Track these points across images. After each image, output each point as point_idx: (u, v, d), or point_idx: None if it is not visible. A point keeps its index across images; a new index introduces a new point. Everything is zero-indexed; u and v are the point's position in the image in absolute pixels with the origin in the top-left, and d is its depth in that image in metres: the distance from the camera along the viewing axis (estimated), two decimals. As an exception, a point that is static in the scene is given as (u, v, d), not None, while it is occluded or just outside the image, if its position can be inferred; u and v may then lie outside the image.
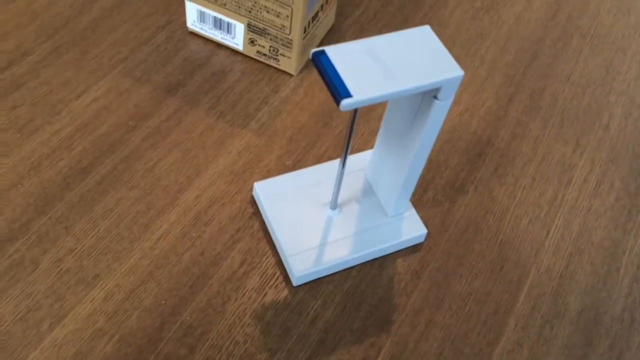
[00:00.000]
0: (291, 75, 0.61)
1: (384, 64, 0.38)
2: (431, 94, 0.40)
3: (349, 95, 0.36)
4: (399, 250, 0.51)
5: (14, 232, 0.48)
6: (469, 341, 0.47)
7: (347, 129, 0.42)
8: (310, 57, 0.38)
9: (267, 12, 0.57)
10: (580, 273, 0.52)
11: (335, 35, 0.65)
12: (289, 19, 0.56)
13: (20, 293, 0.45)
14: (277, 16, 0.56)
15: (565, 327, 0.49)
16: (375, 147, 0.50)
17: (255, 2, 0.56)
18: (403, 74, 0.37)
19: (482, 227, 0.53)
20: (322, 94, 0.60)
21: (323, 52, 0.38)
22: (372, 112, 0.60)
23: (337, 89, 0.36)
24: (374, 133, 0.58)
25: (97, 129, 0.55)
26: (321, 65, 0.37)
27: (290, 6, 0.55)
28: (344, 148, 0.44)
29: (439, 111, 0.40)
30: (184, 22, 0.64)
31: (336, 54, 0.38)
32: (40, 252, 0.47)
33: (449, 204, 0.54)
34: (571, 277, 0.51)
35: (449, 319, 0.48)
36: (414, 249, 0.51)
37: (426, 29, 0.40)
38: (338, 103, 0.36)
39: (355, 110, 0.40)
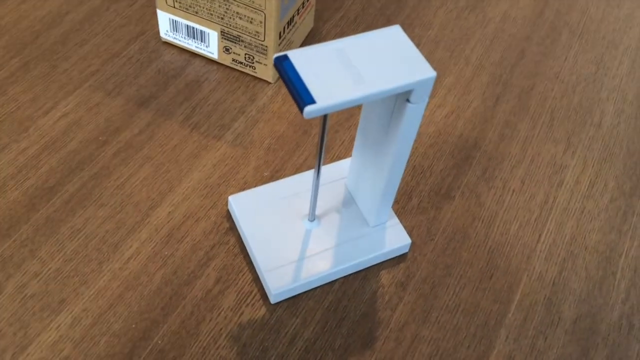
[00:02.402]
0: (269, 83, 0.59)
1: (352, 67, 0.35)
2: (403, 97, 0.37)
3: (312, 101, 0.34)
4: (382, 262, 0.49)
5: (-23, 257, 0.46)
6: (458, 356, 0.45)
7: (318, 137, 0.40)
8: (273, 62, 0.36)
9: (240, 18, 0.54)
10: (574, 279, 0.49)
11: (314, 40, 0.63)
12: (263, 24, 0.54)
13: (-18, 321, 0.43)
14: (251, 22, 0.54)
15: (560, 338, 0.46)
16: (353, 155, 0.48)
17: (228, 9, 0.54)
18: (372, 77, 0.35)
19: (470, 234, 0.51)
20: (301, 101, 0.58)
21: (286, 57, 0.36)
22: (353, 118, 0.57)
23: (300, 96, 0.34)
24: (354, 140, 0.56)
25: (66, 146, 0.53)
26: (284, 71, 0.35)
27: (262, 11, 0.53)
28: (317, 156, 0.41)
29: (413, 114, 0.38)
30: (158, 33, 0.62)
31: (300, 58, 0.35)
32: (4, 278, 0.45)
33: (435, 211, 0.52)
34: (565, 284, 0.49)
35: (436, 332, 0.46)
36: (398, 259, 0.49)
37: (396, 29, 0.38)
38: (301, 110, 0.34)
39: (325, 117, 0.38)
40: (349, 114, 0.58)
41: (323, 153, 0.41)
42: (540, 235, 0.51)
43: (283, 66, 0.35)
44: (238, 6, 0.54)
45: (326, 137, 0.40)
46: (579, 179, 0.56)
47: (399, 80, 0.35)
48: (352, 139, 0.56)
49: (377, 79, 0.35)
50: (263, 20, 0.54)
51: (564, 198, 0.54)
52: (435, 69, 0.62)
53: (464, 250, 0.50)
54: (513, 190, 0.54)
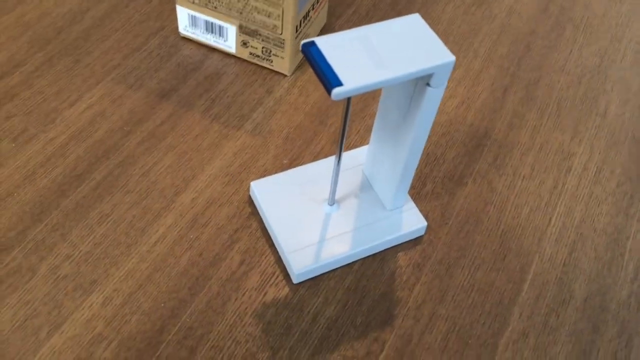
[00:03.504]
0: (285, 76, 0.61)
1: (375, 53, 0.37)
2: (424, 81, 0.39)
3: (340, 84, 0.36)
4: (399, 244, 0.50)
5: (11, 241, 0.47)
6: (474, 332, 0.46)
7: (341, 121, 0.42)
8: (301, 48, 0.38)
9: (258, 12, 0.56)
10: (584, 260, 0.51)
11: (330, 32, 0.65)
12: (280, 18, 0.56)
13: (17, 301, 0.45)
14: (268, 16, 0.56)
15: (571, 315, 0.48)
16: (371, 141, 0.50)
17: (246, 4, 0.56)
18: (394, 61, 0.37)
19: (483, 218, 0.53)
20: (317, 92, 0.60)
21: (313, 43, 0.37)
22: (367, 109, 0.59)
23: (328, 79, 0.36)
24: (369, 129, 0.58)
25: (92, 136, 0.54)
26: (311, 56, 0.37)
27: (281, 6, 0.55)
28: (339, 140, 0.43)
29: (433, 98, 0.40)
30: (176, 28, 0.64)
31: (326, 44, 0.37)
32: (37, 260, 0.47)
33: (449, 197, 0.54)
34: (575, 265, 0.51)
35: (452, 310, 0.47)
36: (415, 242, 0.51)
37: (416, 17, 0.40)
38: (329, 92, 0.36)
39: (348, 101, 0.40)
40: (364, 105, 0.60)
41: (345, 136, 0.43)
42: (550, 219, 0.53)
43: (310, 51, 0.37)
44: (256, 1, 0.56)
45: (348, 120, 0.42)
46: (586, 166, 0.58)
47: (421, 64, 0.37)
48: (368, 129, 0.58)
49: (400, 63, 0.37)
50: (281, 14, 0.56)
51: (572, 184, 0.56)
52: (445, 61, 0.64)
53: (477, 233, 0.52)
54: (523, 177, 0.56)
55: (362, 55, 0.37)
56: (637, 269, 0.51)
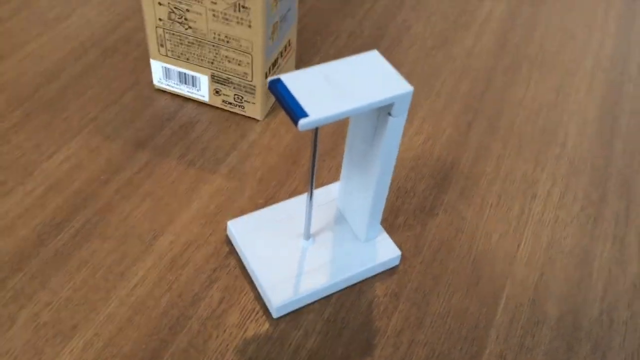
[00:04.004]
0: (257, 120, 0.63)
1: (338, 86, 0.40)
2: (385, 110, 0.42)
3: (305, 115, 0.38)
4: (376, 275, 0.52)
5: (-11, 291, 0.48)
6: (452, 357, 0.47)
7: (310, 155, 0.44)
8: (267, 85, 0.40)
9: (229, 61, 0.59)
10: (554, 282, 0.53)
11: (297, 82, 0.68)
12: (250, 66, 0.59)
13: (-3, 350, 0.45)
14: (239, 64, 0.59)
15: (546, 335, 0.49)
16: (341, 176, 0.51)
17: (217, 53, 0.59)
18: (356, 93, 0.40)
19: (455, 246, 0.54)
20: (289, 135, 0.62)
21: (279, 79, 0.40)
22: (338, 147, 0.61)
23: (294, 111, 0.38)
24: (340, 167, 0.60)
25: (70, 186, 0.56)
26: (277, 92, 0.39)
27: (249, 53, 0.58)
28: (310, 175, 0.45)
29: (395, 127, 0.42)
30: (151, 81, 0.66)
31: (291, 80, 0.40)
32: (17, 309, 0.47)
33: (421, 227, 0.56)
34: (546, 287, 0.52)
35: (430, 337, 0.48)
36: (390, 272, 0.52)
37: (374, 53, 0.43)
38: (296, 123, 0.38)
39: (316, 135, 0.42)
40: (335, 144, 0.62)
41: (315, 171, 0.45)
42: (519, 244, 0.55)
43: (277, 87, 0.39)
44: (227, 50, 0.58)
45: (317, 155, 0.44)
46: (550, 192, 0.60)
47: (381, 95, 0.40)
48: (339, 166, 0.60)
49: (361, 94, 0.40)
50: (250, 62, 0.58)
51: (538, 209, 0.58)
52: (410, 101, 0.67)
53: (450, 260, 0.53)
54: (491, 205, 0.58)
55: (325, 89, 0.40)
56: (606, 287, 0.53)
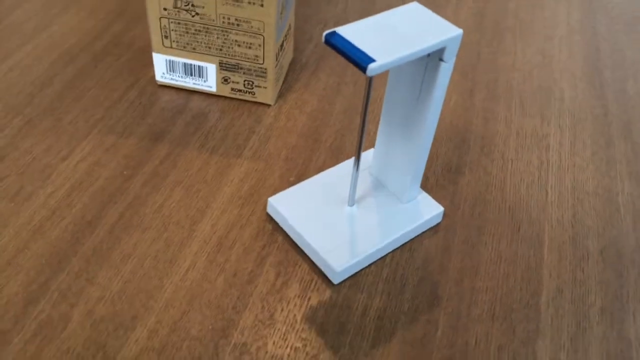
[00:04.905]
0: (269, 106, 0.63)
1: (393, 34, 0.40)
2: (436, 56, 0.43)
3: (372, 60, 0.38)
4: (421, 233, 0.52)
5: (34, 294, 0.45)
6: (515, 297, 0.48)
7: (362, 106, 0.44)
8: (324, 39, 0.40)
9: (239, 46, 0.59)
10: (587, 219, 0.55)
11: (297, 66, 0.68)
12: (262, 48, 0.58)
13: (56, 351, 0.42)
14: (249, 47, 0.59)
15: (594, 267, 0.51)
16: (377, 142, 0.52)
17: (226, 38, 0.58)
18: (413, 38, 0.40)
19: (489, 199, 0.56)
20: (303, 116, 0.62)
21: (334, 32, 0.40)
22: (353, 125, 0.62)
23: (361, 58, 0.38)
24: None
25: (93, 184, 0.53)
26: (337, 43, 0.39)
27: (262, 35, 0.57)
28: (358, 138, 0.45)
29: (445, 73, 0.43)
30: (152, 77, 0.64)
31: (347, 32, 0.40)
32: (68, 308, 0.44)
33: (452, 186, 0.56)
34: (582, 224, 0.54)
35: (489, 282, 0.49)
36: (435, 229, 0.52)
37: (415, 4, 0.44)
38: (364, 70, 0.38)
39: (370, 82, 0.42)
40: (350, 120, 0.62)
41: (366, 125, 0.45)
42: (547, 190, 0.57)
43: (336, 39, 0.39)
44: (237, 34, 0.58)
45: (369, 107, 0.44)
46: (561, 142, 0.62)
47: (436, 38, 0.41)
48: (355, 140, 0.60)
49: (418, 39, 0.40)
50: (262, 44, 0.58)
51: (555, 158, 0.61)
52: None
53: (488, 212, 0.54)
54: (511, 159, 0.60)
55: (382, 37, 0.40)
56: (635, 219, 0.55)
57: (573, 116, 0.66)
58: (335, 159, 0.58)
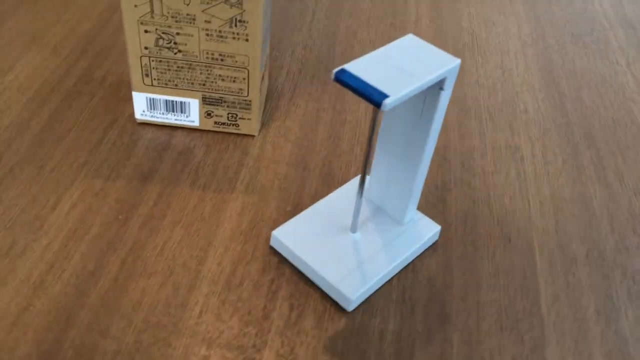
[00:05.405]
0: (253, 136, 0.63)
1: (398, 67, 0.42)
2: (437, 86, 0.44)
3: (386, 96, 0.39)
4: (421, 253, 0.54)
5: (46, 354, 0.43)
6: (518, 307, 0.50)
7: (367, 136, 0.45)
8: (333, 77, 0.41)
9: (222, 80, 0.59)
10: (569, 225, 0.58)
11: (274, 95, 0.69)
12: (246, 81, 0.59)
13: (82, 411, 0.40)
14: (233, 81, 0.59)
15: (583, 270, 0.54)
16: (374, 167, 0.53)
17: (209, 74, 0.58)
18: (417, 71, 0.42)
19: (477, 214, 0.58)
20: (288, 144, 0.63)
21: (343, 70, 0.41)
22: (337, 150, 0.63)
23: (374, 94, 0.39)
24: (349, 165, 0.61)
25: (88, 232, 0.52)
26: (348, 80, 0.40)
27: (246, 68, 0.58)
28: (363, 165, 0.47)
29: (444, 101, 0.45)
30: (130, 115, 0.63)
31: (355, 68, 0.41)
32: (86, 364, 0.43)
33: (441, 203, 0.59)
34: (564, 231, 0.58)
35: (492, 295, 0.51)
36: (433, 247, 0.54)
37: (411, 37, 0.45)
38: (379, 105, 0.39)
39: (375, 117, 0.44)
40: (335, 146, 0.63)
41: (371, 154, 0.46)
42: (529, 200, 0.60)
43: (346, 76, 0.41)
44: (220, 69, 0.58)
45: (379, 138, 0.45)
46: (533, 152, 0.66)
47: (438, 70, 0.42)
48: (348, 164, 0.61)
49: (423, 71, 0.42)
50: (246, 77, 0.58)
51: (530, 169, 0.64)
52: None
53: (479, 226, 0.57)
54: (491, 172, 0.63)
55: (389, 72, 0.41)
56: (611, 222, 0.59)
57: (539, 127, 0.70)
58: (327, 186, 0.59)
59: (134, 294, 0.48)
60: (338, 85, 0.71)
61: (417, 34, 0.83)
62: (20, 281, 0.47)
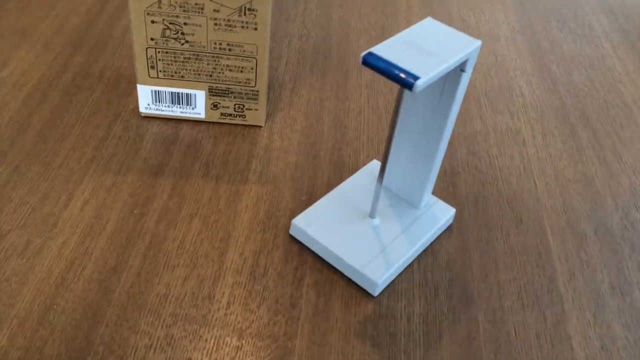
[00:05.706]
0: (260, 127, 0.63)
1: (422, 50, 0.42)
2: (458, 67, 0.45)
3: (418, 77, 0.40)
4: (438, 236, 0.54)
5: (76, 351, 0.42)
6: (536, 285, 0.52)
7: (390, 123, 0.45)
8: (361, 60, 0.41)
9: (230, 70, 0.58)
10: (576, 203, 0.60)
11: (276, 85, 0.69)
12: (254, 71, 0.58)
13: (120, 407, 0.40)
14: (241, 71, 0.58)
15: (593, 247, 0.56)
16: (391, 154, 0.53)
17: (217, 64, 0.58)
18: (442, 53, 0.42)
19: (487, 195, 0.59)
20: (295, 134, 0.63)
21: (371, 53, 0.41)
22: (345, 137, 0.63)
23: (405, 76, 0.40)
24: (357, 154, 0.62)
25: (105, 228, 0.51)
26: (377, 63, 0.41)
27: (254, 58, 0.57)
28: (384, 151, 0.47)
29: (464, 82, 0.46)
30: (134, 109, 0.62)
31: (382, 51, 0.41)
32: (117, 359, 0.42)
33: (452, 187, 0.59)
34: (572, 209, 0.59)
35: (510, 273, 0.52)
36: (449, 230, 0.55)
37: (430, 20, 0.46)
38: (411, 87, 0.39)
39: (400, 100, 0.44)
40: (342, 134, 0.63)
41: (393, 140, 0.47)
42: (534, 181, 0.62)
43: (375, 59, 0.41)
44: (228, 59, 0.57)
45: (397, 123, 0.45)
46: (533, 135, 0.67)
47: (461, 51, 0.43)
48: (356, 151, 0.62)
49: (446, 53, 0.42)
50: (254, 66, 0.58)
51: (532, 151, 0.65)
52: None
53: (490, 208, 0.58)
54: (495, 155, 0.64)
55: (414, 54, 0.42)
56: (614, 199, 0.61)
57: (536, 110, 0.71)
58: (339, 173, 0.59)
59: (159, 288, 0.47)
60: (338, 75, 0.71)
61: (408, 22, 0.83)
62: (41, 280, 0.46)
